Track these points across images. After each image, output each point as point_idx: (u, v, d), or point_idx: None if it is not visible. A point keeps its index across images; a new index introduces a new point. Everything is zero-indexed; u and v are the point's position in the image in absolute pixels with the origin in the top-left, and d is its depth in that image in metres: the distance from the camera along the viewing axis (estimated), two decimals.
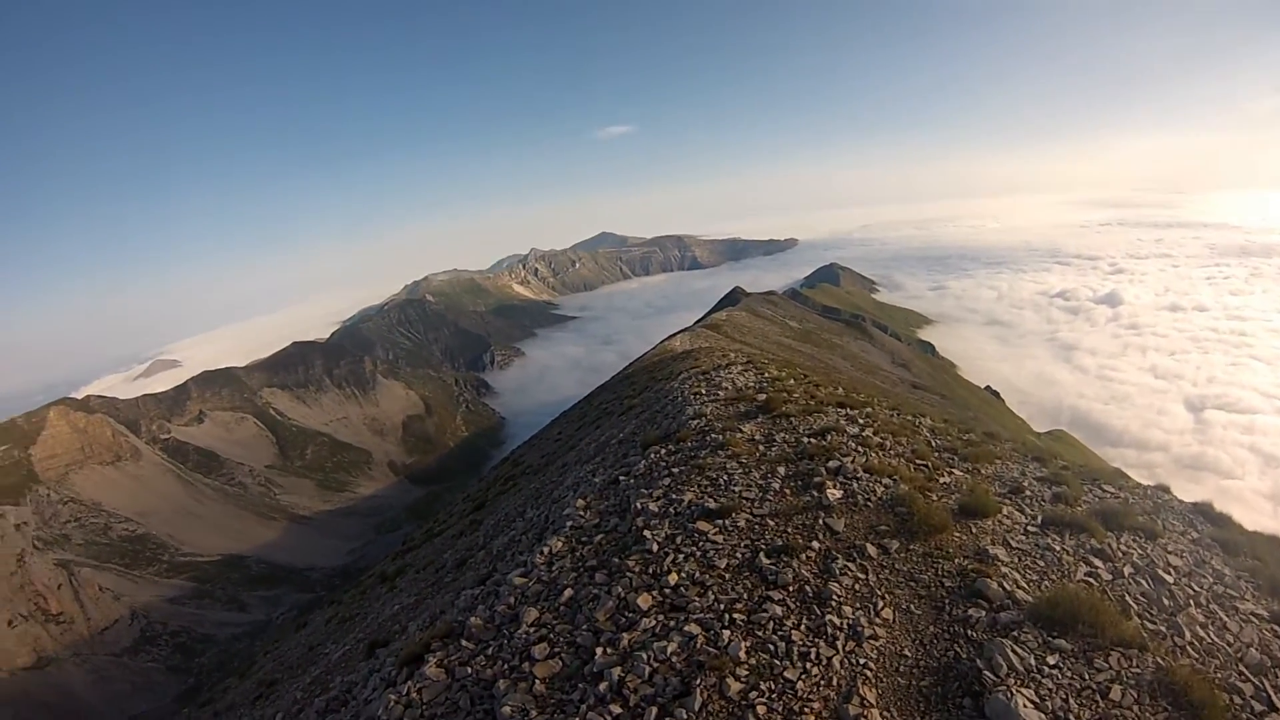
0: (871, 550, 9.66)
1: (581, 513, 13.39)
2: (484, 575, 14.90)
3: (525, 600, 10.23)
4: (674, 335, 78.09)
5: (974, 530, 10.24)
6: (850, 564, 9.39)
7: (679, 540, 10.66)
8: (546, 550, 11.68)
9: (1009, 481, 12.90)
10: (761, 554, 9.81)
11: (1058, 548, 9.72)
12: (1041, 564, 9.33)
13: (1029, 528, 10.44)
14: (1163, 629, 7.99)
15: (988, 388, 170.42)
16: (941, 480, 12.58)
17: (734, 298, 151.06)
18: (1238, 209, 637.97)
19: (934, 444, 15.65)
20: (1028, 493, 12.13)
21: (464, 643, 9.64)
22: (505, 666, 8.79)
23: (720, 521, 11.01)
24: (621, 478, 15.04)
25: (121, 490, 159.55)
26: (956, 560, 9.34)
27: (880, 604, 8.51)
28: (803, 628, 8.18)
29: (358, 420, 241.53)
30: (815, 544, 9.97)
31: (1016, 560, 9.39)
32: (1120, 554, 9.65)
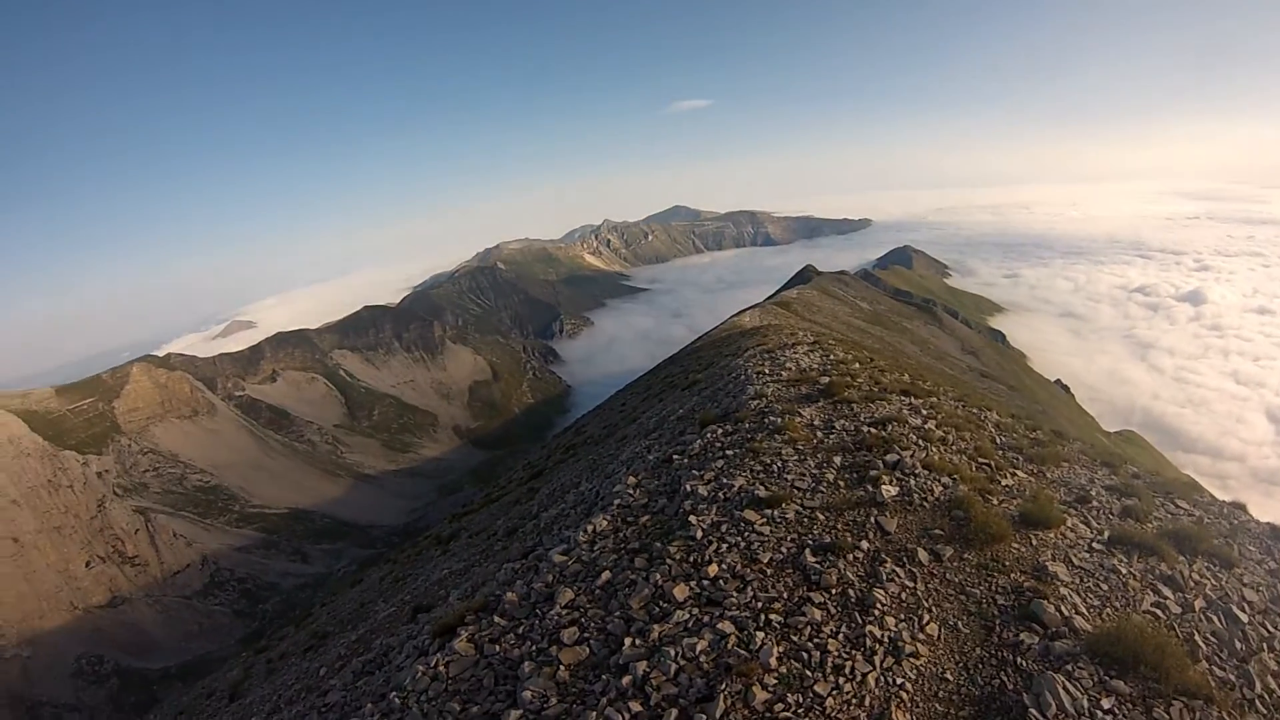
0: (923, 556, 9.20)
1: (631, 490, 13.36)
2: (529, 548, 14.93)
3: (563, 579, 10.21)
4: (743, 311, 77.60)
5: (1034, 542, 9.68)
6: (899, 569, 8.96)
7: (724, 528, 10.41)
8: (591, 528, 11.66)
9: (1076, 489, 12.30)
10: (807, 550, 9.48)
11: (1124, 570, 9.11)
12: (1105, 588, 8.74)
13: (1094, 544, 9.81)
14: (1232, 677, 7.27)
15: (1058, 381, 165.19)
16: (1004, 482, 12.01)
17: (805, 276, 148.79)
18: None
19: (998, 441, 15.06)
20: (1095, 503, 11.50)
21: (497, 619, 9.63)
22: (533, 648, 8.71)
23: (769, 512, 10.70)
24: (675, 456, 14.96)
25: (197, 443, 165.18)
26: (1013, 575, 8.81)
27: (926, 618, 8.05)
28: (840, 637, 7.78)
29: (425, 383, 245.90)
30: (864, 544, 9.57)
31: (1078, 581, 8.81)
32: (1192, 583, 8.96)
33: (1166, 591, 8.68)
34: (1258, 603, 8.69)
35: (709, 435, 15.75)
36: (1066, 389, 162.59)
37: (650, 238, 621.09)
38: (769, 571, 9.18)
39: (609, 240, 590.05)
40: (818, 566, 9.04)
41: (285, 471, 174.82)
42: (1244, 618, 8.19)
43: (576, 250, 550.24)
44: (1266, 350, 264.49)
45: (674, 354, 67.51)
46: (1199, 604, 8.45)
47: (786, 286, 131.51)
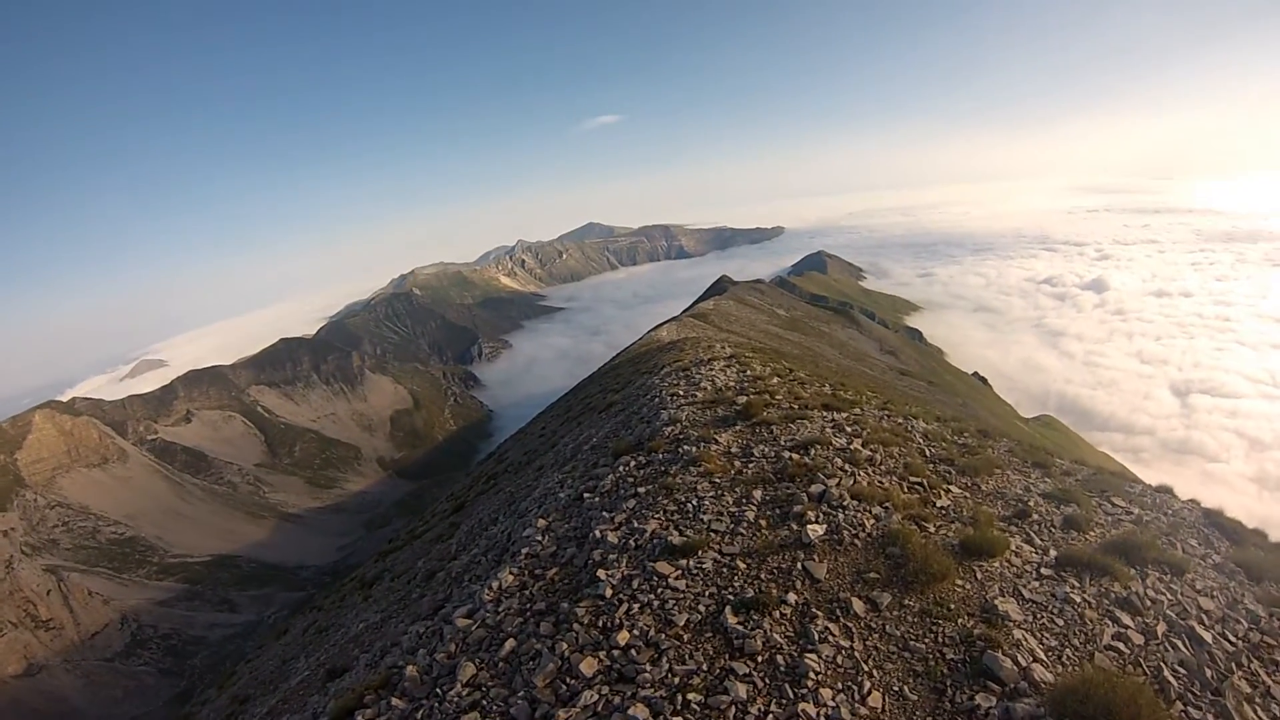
0: (858, 606, 8.11)
1: (539, 537, 12.45)
2: (438, 603, 14.38)
3: (466, 649, 9.33)
4: (661, 325, 77.31)
5: (979, 576, 8.74)
6: (832, 625, 7.85)
7: (636, 584, 9.33)
8: (496, 585, 10.78)
9: (1013, 501, 11.57)
10: (728, 608, 8.33)
11: (1078, 598, 8.27)
12: (1061, 623, 7.85)
13: (1042, 569, 9.00)
14: (1210, 717, 6.54)
15: (975, 374, 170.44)
16: (939, 503, 11.11)
17: (721, 286, 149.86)
18: (1224, 194, 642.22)
19: (928, 453, 14.17)
20: (1035, 516, 10.75)
21: (395, 700, 8.86)
22: None
23: (684, 562, 9.57)
24: (586, 494, 14.03)
25: (109, 493, 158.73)
26: (960, 620, 7.81)
27: (867, 684, 6.96)
28: (770, 719, 6.67)
29: (346, 416, 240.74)
30: (792, 596, 8.43)
31: (1031, 618, 7.92)
32: (1149, 602, 8.29)
33: (1125, 619, 7.96)
34: (1215, 610, 8.28)
35: (621, 468, 14.72)
36: (984, 380, 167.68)
37: (565, 256, 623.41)
38: (686, 637, 8.03)
39: (524, 260, 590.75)
40: (740, 629, 7.90)
41: (205, 517, 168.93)
42: (1207, 636, 7.69)
43: (492, 272, 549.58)
44: (1166, 330, 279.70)
45: (594, 372, 66.71)
46: (1160, 628, 7.82)
47: (703, 298, 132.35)
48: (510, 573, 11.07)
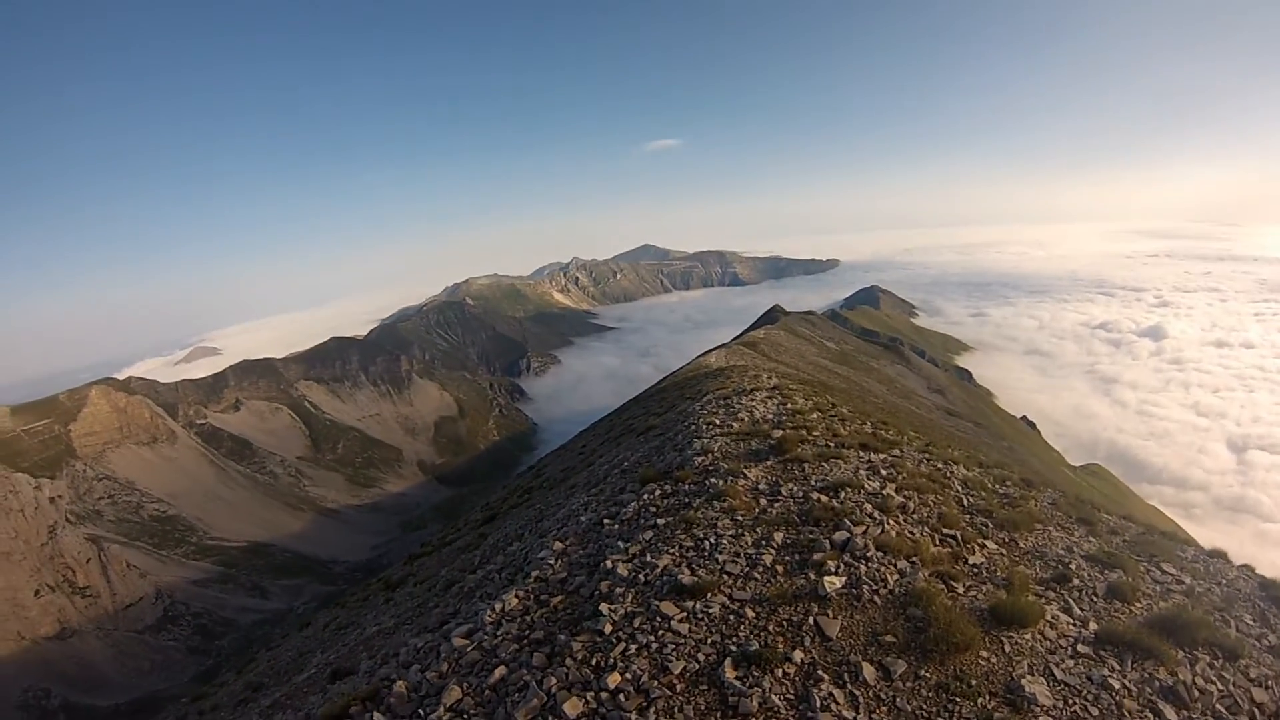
0: (869, 673, 7.39)
1: (552, 561, 12.20)
2: (446, 616, 14.32)
3: (457, 671, 9.07)
4: (710, 351, 76.89)
5: (1008, 648, 7.96)
6: (837, 691, 7.16)
7: (638, 622, 8.84)
8: (500, 606, 10.59)
9: (1053, 561, 10.77)
10: (729, 661, 7.72)
11: (1117, 684, 7.43)
12: (1095, 712, 6.98)
13: (1079, 645, 8.19)
14: None
15: (1024, 418, 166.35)
16: (971, 560, 10.35)
17: (773, 316, 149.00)
18: None
19: (966, 503, 13.40)
20: (1076, 581, 9.94)
21: (378, 715, 8.68)
22: None
23: (690, 604, 9.00)
24: (606, 521, 13.73)
25: (155, 471, 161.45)
26: (980, 700, 7.06)
27: None
28: None
29: (390, 418, 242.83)
30: (798, 654, 7.77)
31: (1061, 704, 7.06)
32: (1197, 692, 7.46)
33: (1169, 712, 7.11)
34: (1268, 704, 7.43)
35: (646, 496, 14.32)
36: (1033, 425, 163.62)
37: (619, 276, 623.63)
38: (679, 687, 7.46)
39: (577, 278, 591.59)
40: (738, 685, 7.29)
41: (245, 503, 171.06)
42: None
43: (545, 287, 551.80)
44: (1225, 381, 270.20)
45: (639, 393, 66.38)
46: None
47: (754, 326, 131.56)
48: (516, 595, 10.83)
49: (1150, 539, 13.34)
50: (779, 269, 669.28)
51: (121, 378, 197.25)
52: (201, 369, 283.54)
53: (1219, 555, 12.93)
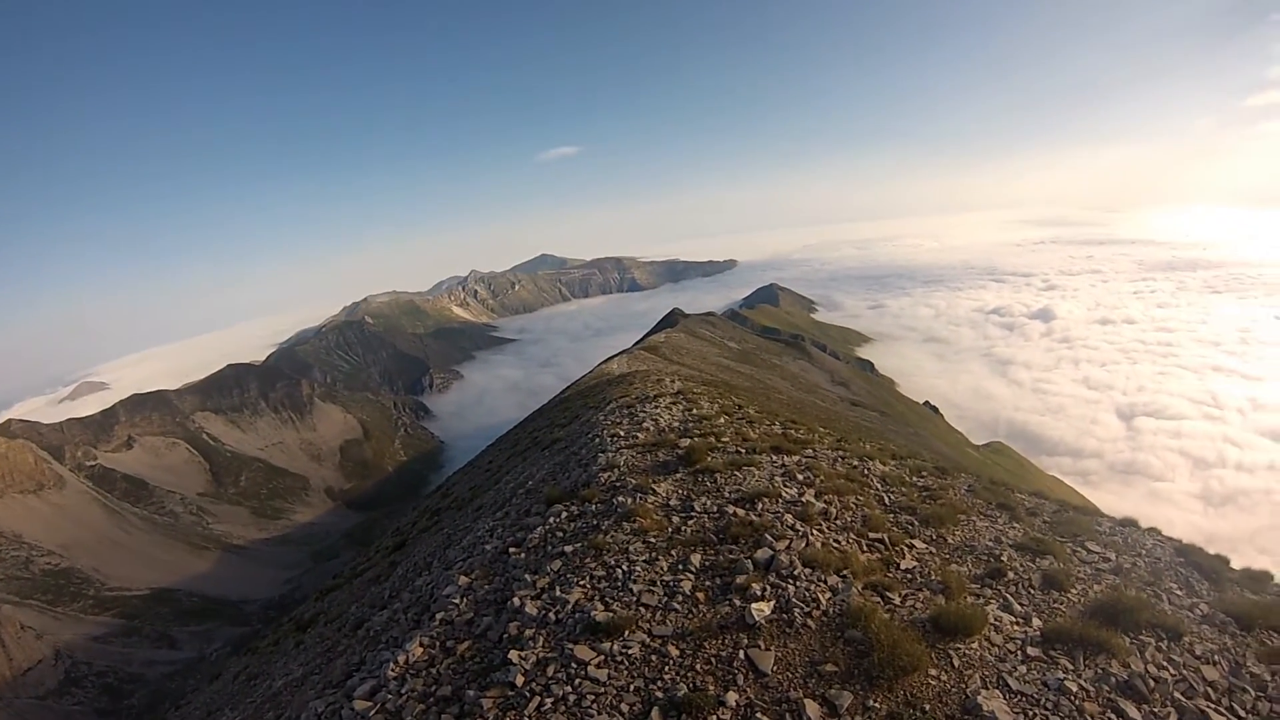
0: (812, 710, 6.62)
1: (457, 599, 11.31)
2: (351, 668, 13.06)
3: None
4: (612, 358, 76.53)
5: (956, 662, 7.40)
6: None
7: (551, 670, 7.99)
8: (403, 659, 9.70)
9: (984, 555, 10.47)
10: (655, 710, 6.91)
11: (1074, 687, 7.04)
12: None
13: (1028, 647, 7.79)
14: None
15: (926, 403, 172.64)
16: (903, 565, 9.85)
17: (672, 319, 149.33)
18: (1165, 225, 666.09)
19: (888, 501, 13.01)
20: (1010, 574, 9.63)
21: None
22: None
23: (607, 645, 8.16)
24: (513, 549, 12.80)
25: (44, 521, 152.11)
26: None
27: None
28: None
29: (294, 445, 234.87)
30: (731, 695, 6.97)
31: (1023, 719, 6.61)
32: (1153, 682, 7.23)
33: (1132, 710, 6.81)
34: (1219, 681, 7.50)
35: (552, 520, 13.48)
36: (935, 409, 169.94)
37: (517, 287, 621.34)
38: None
39: (476, 291, 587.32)
40: None
41: (145, 548, 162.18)
42: None
43: (444, 302, 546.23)
44: (1111, 356, 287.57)
45: (543, 405, 65.51)
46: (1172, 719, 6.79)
47: (654, 331, 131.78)
48: (420, 644, 9.95)
49: (1067, 516, 13.61)
50: (677, 272, 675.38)
51: (0, 421, 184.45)
52: (89, 405, 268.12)
53: (1130, 523, 13.68)
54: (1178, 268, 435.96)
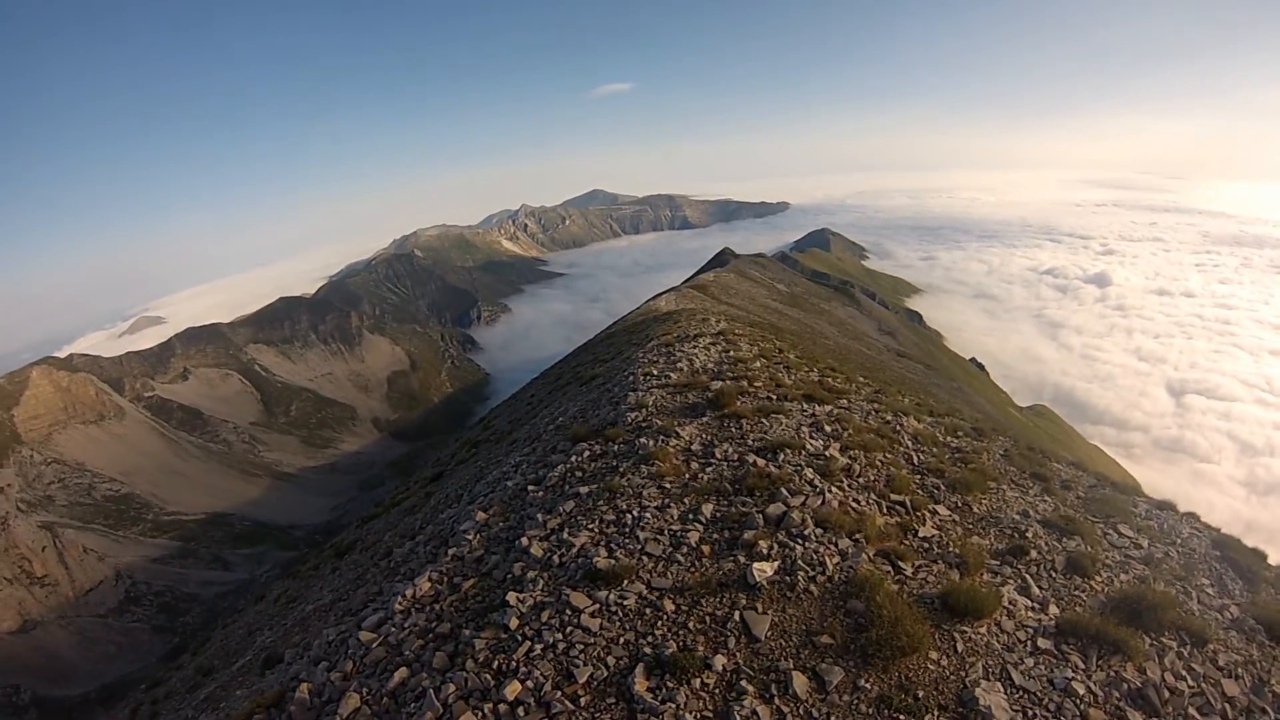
0: (799, 684, 6.41)
1: (471, 535, 11.38)
2: (370, 596, 13.79)
3: (360, 671, 8.47)
4: (660, 295, 75.72)
5: (960, 646, 7.06)
6: (762, 708, 6.14)
7: (545, 616, 7.93)
8: (410, 592, 9.81)
9: (1008, 527, 10.04)
10: (640, 666, 6.76)
11: (1081, 689, 6.64)
12: None
13: (1039, 638, 7.39)
14: None
15: (973, 359, 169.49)
16: (921, 532, 9.47)
17: (723, 259, 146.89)
18: (1234, 198, 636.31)
19: (916, 461, 12.56)
20: (1033, 553, 9.17)
21: None
22: None
23: (604, 594, 8.04)
24: (531, 487, 12.83)
25: (105, 450, 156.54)
26: (928, 716, 6.15)
27: None
28: None
29: (343, 376, 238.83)
30: (720, 659, 6.80)
31: (1021, 718, 6.28)
32: (1167, 693, 6.78)
33: None
34: (1239, 698, 6.98)
35: (574, 458, 13.40)
36: (981, 366, 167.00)
37: (568, 222, 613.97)
38: (584, 700, 6.52)
39: (526, 225, 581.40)
40: (649, 699, 6.31)
41: (200, 475, 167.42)
42: None
43: (494, 236, 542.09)
44: (1166, 329, 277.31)
45: (589, 339, 65.45)
46: None
47: (704, 270, 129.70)
48: (429, 579, 10.09)
49: (1103, 492, 12.90)
50: (729, 212, 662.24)
51: (63, 355, 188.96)
52: (146, 339, 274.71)
53: (1168, 507, 12.79)
54: (1244, 243, 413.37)
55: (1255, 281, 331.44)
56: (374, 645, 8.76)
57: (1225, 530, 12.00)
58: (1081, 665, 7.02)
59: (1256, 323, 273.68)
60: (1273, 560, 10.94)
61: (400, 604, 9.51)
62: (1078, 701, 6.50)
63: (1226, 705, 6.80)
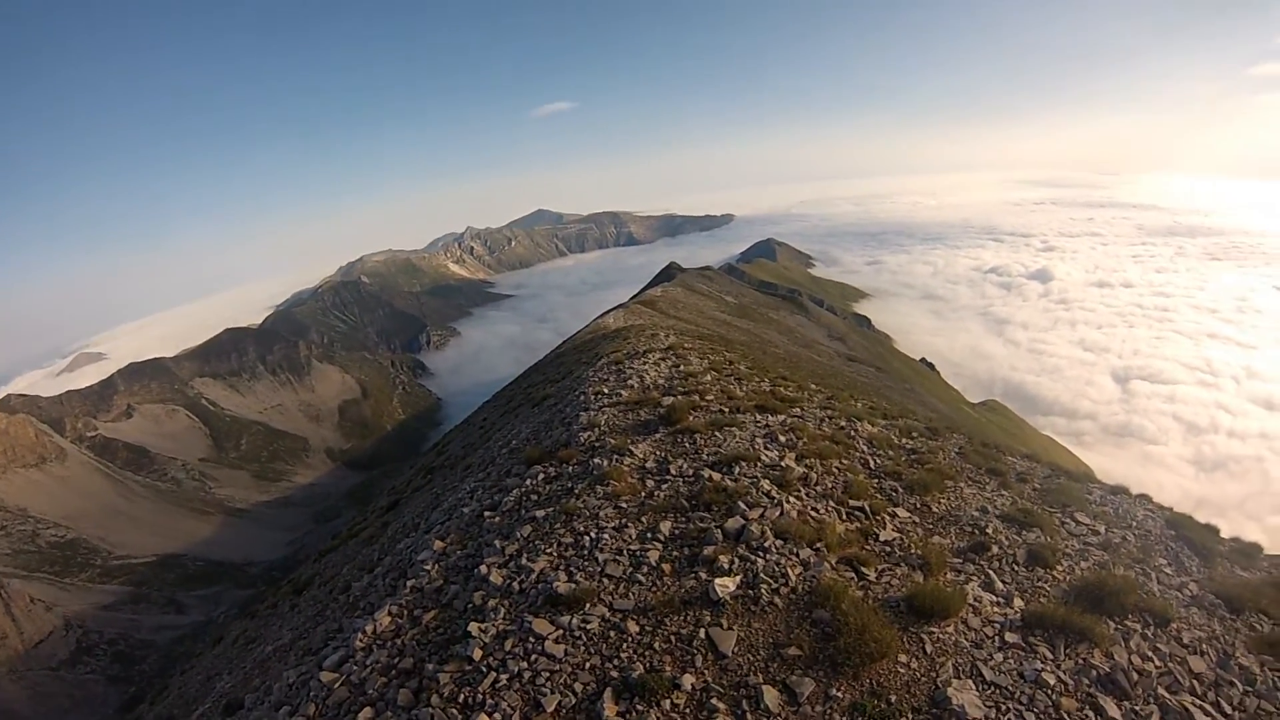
0: (771, 697, 6.30)
1: (429, 566, 11.18)
2: (330, 634, 13.21)
3: (323, 714, 8.25)
4: (608, 312, 75.92)
5: (928, 648, 7.04)
6: None
7: (509, 645, 7.73)
8: (371, 628, 9.59)
9: (969, 525, 10.13)
10: (609, 691, 6.61)
11: (1051, 679, 6.65)
12: (1031, 718, 6.21)
13: (1006, 633, 7.40)
14: None
15: (923, 360, 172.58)
16: (882, 536, 9.49)
17: (669, 273, 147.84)
18: (1166, 191, 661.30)
19: (872, 465, 12.67)
20: (994, 549, 9.25)
21: None
22: None
23: (566, 619, 7.89)
24: (488, 513, 12.62)
25: (48, 494, 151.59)
26: (903, 719, 6.16)
27: None
28: None
29: (293, 407, 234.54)
30: (688, 678, 6.66)
31: (994, 712, 6.22)
32: (1136, 675, 6.82)
33: (1111, 707, 6.38)
34: (1206, 673, 7.04)
35: (529, 481, 13.25)
36: (932, 366, 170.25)
37: (513, 243, 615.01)
38: None
39: (472, 248, 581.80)
40: None
41: (149, 515, 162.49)
42: None
43: (440, 260, 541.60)
44: (1108, 319, 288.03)
45: (539, 360, 65.25)
46: (1154, 719, 6.35)
47: (651, 285, 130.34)
48: (389, 613, 9.86)
49: (1058, 482, 13.20)
50: (674, 227, 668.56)
51: None
52: (87, 377, 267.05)
53: (1121, 491, 13.07)
54: (1178, 233, 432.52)
55: (1190, 269, 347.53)
56: (336, 686, 8.55)
57: (1177, 509, 12.30)
58: (1050, 656, 7.04)
59: (1193, 308, 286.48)
60: (1225, 534, 11.28)
61: (361, 641, 9.27)
62: (1049, 692, 6.52)
63: (1194, 682, 6.91)
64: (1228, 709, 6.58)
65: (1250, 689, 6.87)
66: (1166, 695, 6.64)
